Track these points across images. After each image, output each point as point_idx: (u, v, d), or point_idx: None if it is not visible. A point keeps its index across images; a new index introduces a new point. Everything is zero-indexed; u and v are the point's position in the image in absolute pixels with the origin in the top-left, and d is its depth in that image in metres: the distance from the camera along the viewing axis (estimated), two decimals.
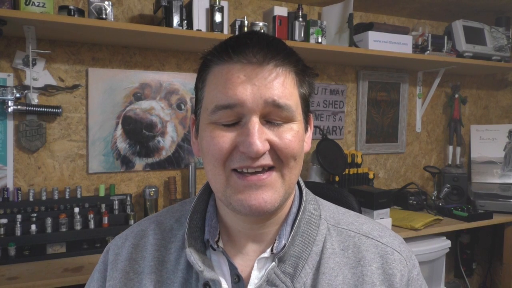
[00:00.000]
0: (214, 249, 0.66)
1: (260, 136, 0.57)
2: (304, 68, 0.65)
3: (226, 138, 0.59)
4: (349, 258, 0.66)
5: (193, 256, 0.63)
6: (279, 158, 0.60)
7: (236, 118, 0.59)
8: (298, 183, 0.71)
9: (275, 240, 0.65)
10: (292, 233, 0.64)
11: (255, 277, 0.64)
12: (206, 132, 0.61)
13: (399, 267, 0.66)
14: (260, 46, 0.59)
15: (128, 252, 0.70)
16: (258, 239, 0.66)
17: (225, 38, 0.64)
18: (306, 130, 0.67)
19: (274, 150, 0.59)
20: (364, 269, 0.64)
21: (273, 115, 0.59)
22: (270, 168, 0.60)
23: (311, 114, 0.69)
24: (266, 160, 0.59)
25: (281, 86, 0.59)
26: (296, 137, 0.61)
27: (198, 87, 0.66)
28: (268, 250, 0.65)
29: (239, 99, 0.58)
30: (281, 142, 0.59)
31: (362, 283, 0.63)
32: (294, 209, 0.68)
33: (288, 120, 0.60)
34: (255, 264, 0.64)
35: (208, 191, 0.73)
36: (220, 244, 0.66)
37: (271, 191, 0.60)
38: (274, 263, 0.62)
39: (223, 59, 0.60)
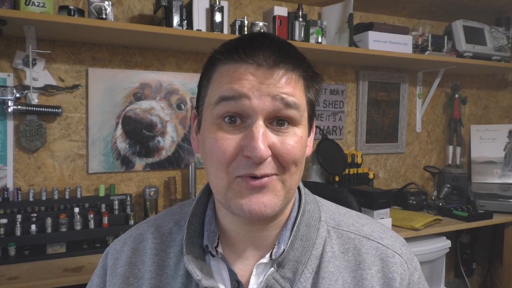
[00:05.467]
0: (213, 255, 0.64)
1: (264, 140, 0.56)
2: (313, 74, 0.64)
3: (230, 141, 0.57)
4: (349, 261, 0.64)
5: (191, 264, 0.62)
6: (280, 164, 0.59)
7: (239, 114, 0.58)
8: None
9: (275, 245, 0.64)
10: (291, 237, 0.63)
11: (254, 282, 0.63)
12: (209, 133, 0.60)
13: (399, 271, 0.64)
14: (272, 50, 0.58)
15: (127, 256, 0.69)
16: (258, 243, 0.65)
17: (235, 37, 0.63)
18: (309, 134, 0.67)
19: (275, 155, 0.58)
20: (364, 273, 0.63)
21: (279, 114, 0.58)
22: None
23: (314, 118, 0.68)
24: (269, 169, 0.58)
25: (290, 87, 0.59)
26: (299, 142, 0.59)
27: (203, 85, 0.64)
28: (267, 255, 0.63)
29: (245, 93, 0.57)
30: (282, 147, 0.58)
31: (362, 287, 0.62)
32: (294, 213, 0.67)
33: (294, 123, 0.59)
34: (254, 270, 0.63)
35: (207, 194, 0.71)
36: (220, 249, 0.64)
37: (271, 194, 0.59)
38: (273, 268, 0.61)
39: (232, 58, 0.59)
